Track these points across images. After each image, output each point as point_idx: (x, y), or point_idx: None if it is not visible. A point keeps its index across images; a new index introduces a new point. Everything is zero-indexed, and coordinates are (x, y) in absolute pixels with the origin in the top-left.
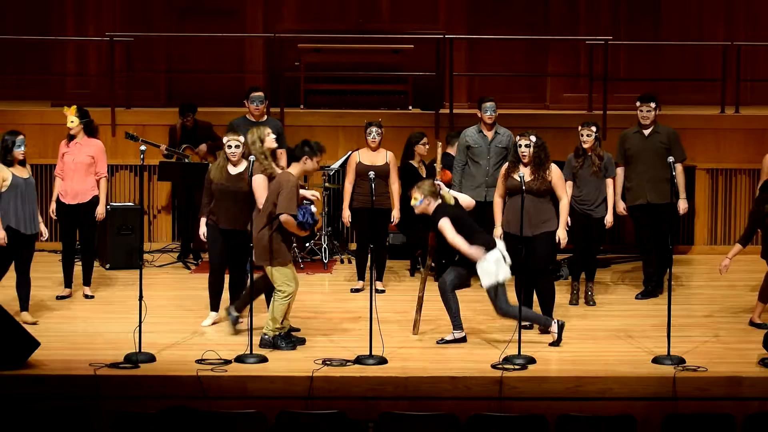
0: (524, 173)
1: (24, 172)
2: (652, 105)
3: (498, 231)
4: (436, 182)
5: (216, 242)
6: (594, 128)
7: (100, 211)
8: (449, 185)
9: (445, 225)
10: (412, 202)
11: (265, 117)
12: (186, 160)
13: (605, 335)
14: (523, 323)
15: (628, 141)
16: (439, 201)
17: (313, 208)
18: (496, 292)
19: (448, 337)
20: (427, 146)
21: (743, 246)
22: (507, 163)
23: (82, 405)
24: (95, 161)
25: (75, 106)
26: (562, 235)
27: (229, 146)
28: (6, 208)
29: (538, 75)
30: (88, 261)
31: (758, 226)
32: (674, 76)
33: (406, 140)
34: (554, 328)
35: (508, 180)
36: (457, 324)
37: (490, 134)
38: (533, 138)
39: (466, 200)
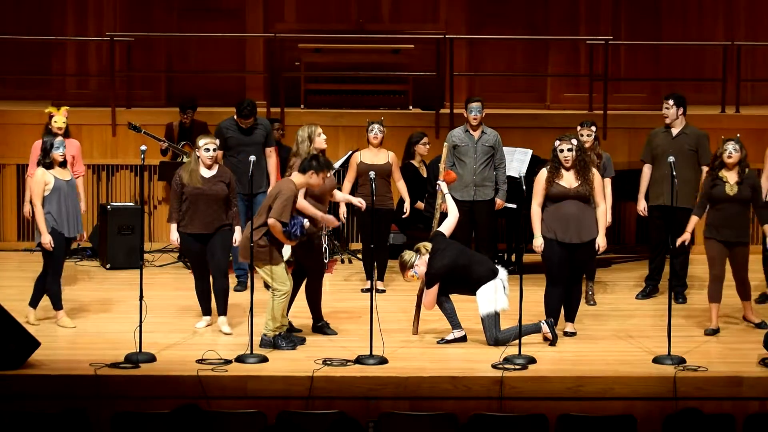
0: (568, 178)
1: (65, 174)
2: (671, 102)
3: (539, 240)
4: (438, 182)
5: (192, 249)
6: (593, 128)
7: (84, 208)
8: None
9: (429, 295)
10: (412, 280)
11: (255, 120)
12: (184, 157)
13: (605, 335)
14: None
15: (655, 139)
16: (426, 256)
17: (307, 223)
18: (491, 320)
19: (449, 337)
20: (427, 146)
21: (699, 217)
22: (547, 169)
23: (82, 405)
24: (75, 161)
25: (65, 108)
26: (601, 242)
27: (207, 149)
28: (51, 211)
29: (538, 75)
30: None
31: (706, 194)
32: (674, 76)
33: (407, 140)
34: (546, 329)
35: (552, 186)
36: (455, 324)
37: (476, 133)
38: (575, 141)
39: (452, 218)
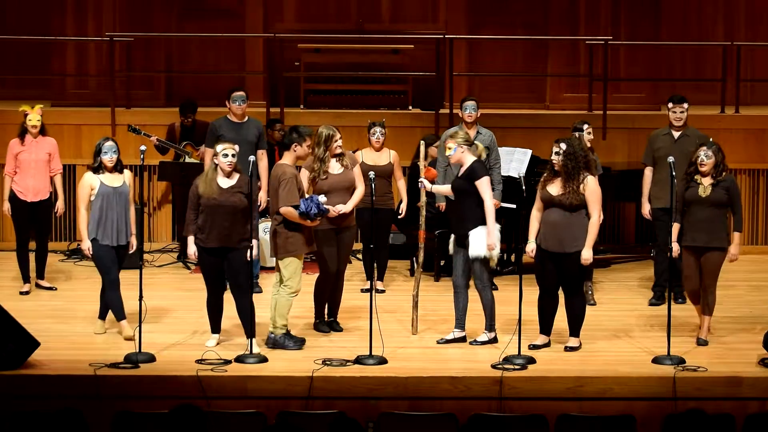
0: (557, 184)
1: (116, 180)
2: (685, 106)
3: (531, 246)
4: (420, 180)
5: (206, 263)
6: (591, 129)
7: (60, 206)
8: (433, 182)
9: (485, 185)
10: (447, 152)
11: (246, 118)
12: (187, 157)
13: (605, 335)
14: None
15: (657, 141)
16: (473, 155)
17: (322, 198)
18: (479, 265)
19: (449, 336)
20: (437, 147)
21: (679, 223)
22: (545, 174)
23: (82, 405)
24: (51, 158)
25: (39, 106)
26: (585, 254)
27: (225, 155)
28: (93, 218)
29: (538, 75)
30: (45, 255)
31: (681, 197)
32: (674, 76)
33: (419, 142)
34: (487, 336)
35: (542, 191)
36: (460, 322)
37: (471, 133)
38: (563, 145)
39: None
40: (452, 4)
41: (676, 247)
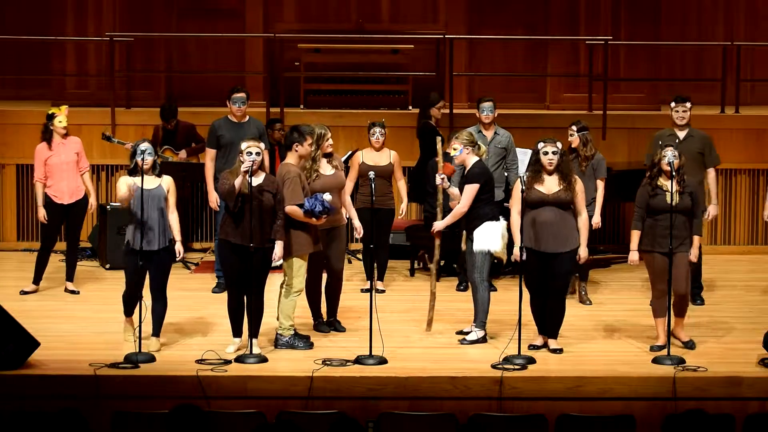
0: (549, 183)
1: (149, 183)
2: (688, 105)
3: (517, 253)
4: (440, 176)
5: (229, 261)
6: (574, 128)
7: (94, 203)
8: (450, 179)
9: (471, 191)
10: (452, 153)
11: (247, 118)
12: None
13: (605, 335)
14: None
15: (663, 142)
16: (476, 157)
17: (327, 197)
18: (481, 258)
19: (466, 330)
20: (442, 110)
21: (640, 230)
22: (525, 175)
23: (82, 405)
24: (80, 157)
25: (65, 106)
26: (583, 253)
27: (249, 152)
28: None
29: (538, 75)
30: (75, 257)
31: (645, 204)
32: (674, 76)
33: (423, 101)
34: (477, 335)
35: (531, 192)
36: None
37: (489, 134)
38: (559, 144)
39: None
40: (452, 4)
41: (635, 256)
